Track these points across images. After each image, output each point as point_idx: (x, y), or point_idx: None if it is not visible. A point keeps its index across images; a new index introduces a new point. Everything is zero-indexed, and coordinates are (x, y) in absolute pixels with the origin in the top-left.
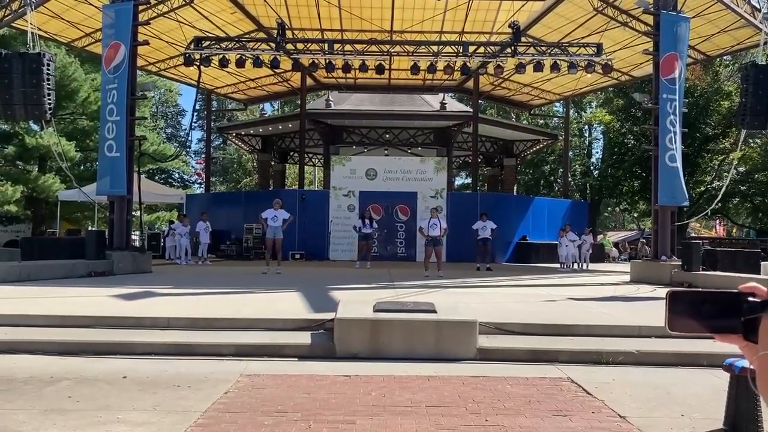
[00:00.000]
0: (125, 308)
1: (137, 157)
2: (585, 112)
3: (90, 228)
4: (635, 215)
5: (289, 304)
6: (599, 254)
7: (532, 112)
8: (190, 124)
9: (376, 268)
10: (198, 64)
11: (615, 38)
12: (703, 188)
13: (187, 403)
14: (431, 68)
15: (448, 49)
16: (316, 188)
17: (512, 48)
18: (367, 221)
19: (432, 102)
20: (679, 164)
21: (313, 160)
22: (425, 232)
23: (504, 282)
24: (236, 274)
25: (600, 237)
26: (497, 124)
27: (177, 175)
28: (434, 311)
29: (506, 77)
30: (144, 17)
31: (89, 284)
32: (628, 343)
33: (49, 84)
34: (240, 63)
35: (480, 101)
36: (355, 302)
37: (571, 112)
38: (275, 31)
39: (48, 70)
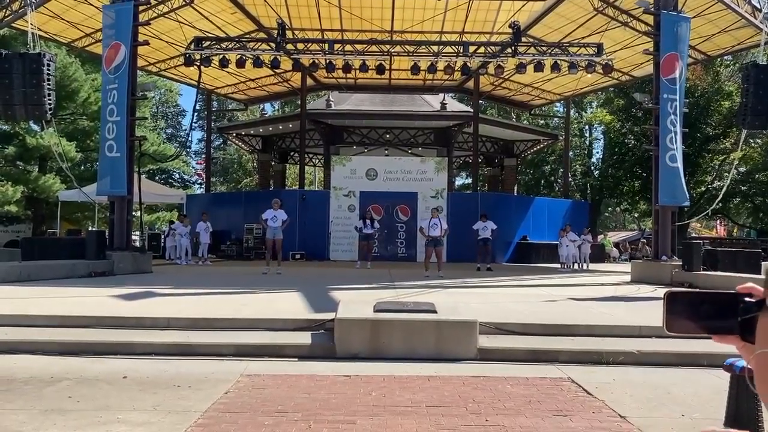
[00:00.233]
0: (125, 308)
1: (137, 158)
2: (585, 112)
3: (90, 228)
4: (636, 215)
5: (290, 304)
6: (600, 254)
7: (532, 112)
8: (191, 125)
9: (377, 268)
10: (198, 64)
11: (615, 38)
12: (703, 188)
13: (187, 403)
14: (431, 68)
15: (448, 49)
16: (317, 188)
17: (513, 48)
18: (367, 221)
19: (432, 102)
20: (679, 164)
21: (314, 160)
22: (426, 232)
23: (504, 282)
24: (236, 275)
25: (600, 237)
26: (498, 124)
27: (177, 176)
28: (434, 311)
29: (507, 77)
30: (144, 17)
31: (89, 284)
32: (628, 343)
33: (49, 84)
34: (240, 63)
35: (480, 101)
36: (356, 302)
37: (572, 112)
38: (275, 32)
39: (48, 70)
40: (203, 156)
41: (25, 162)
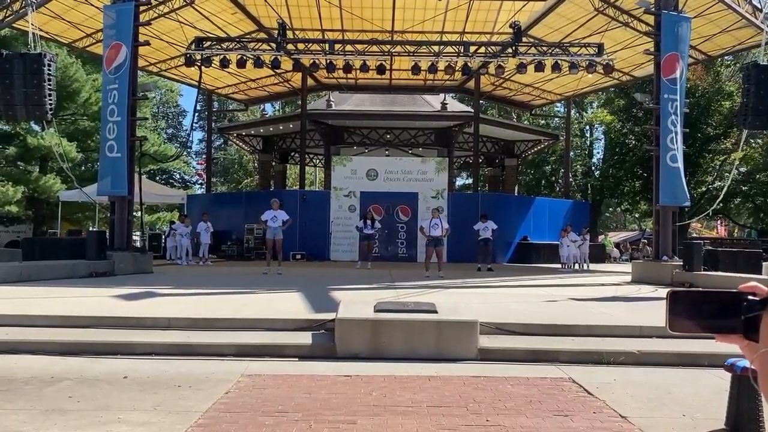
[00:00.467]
0: (126, 308)
1: (138, 158)
2: (586, 113)
3: (91, 228)
4: (636, 215)
5: (290, 304)
6: (600, 254)
7: (533, 112)
8: (191, 125)
9: (377, 268)
10: (199, 64)
11: (616, 38)
12: (704, 188)
13: (187, 403)
14: (432, 68)
15: (449, 49)
16: (317, 189)
17: (513, 48)
18: (368, 222)
19: (433, 102)
20: (680, 164)
21: (314, 160)
22: (426, 232)
23: (505, 282)
24: (237, 275)
25: (601, 237)
26: (498, 124)
27: (178, 176)
28: (435, 311)
29: (507, 77)
30: (145, 18)
31: (90, 284)
32: (629, 343)
33: (50, 84)
34: (241, 63)
35: (481, 101)
36: (356, 302)
37: (573, 112)
38: (276, 32)
39: (49, 70)
40: (204, 156)
41: (26, 162)
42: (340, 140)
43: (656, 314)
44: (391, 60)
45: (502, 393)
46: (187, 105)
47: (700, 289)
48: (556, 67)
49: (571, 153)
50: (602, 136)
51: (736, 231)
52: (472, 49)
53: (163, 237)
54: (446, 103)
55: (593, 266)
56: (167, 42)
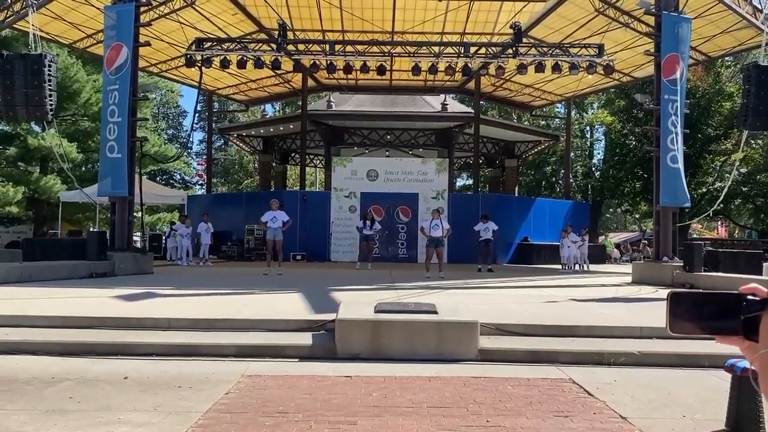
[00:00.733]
0: (126, 309)
1: (139, 159)
2: (586, 113)
3: (91, 229)
4: (637, 216)
5: (290, 304)
6: (600, 255)
7: (533, 113)
8: (192, 125)
9: (378, 269)
10: (199, 65)
11: (616, 39)
12: (704, 189)
13: (188, 403)
14: (432, 69)
15: (449, 50)
16: (318, 189)
17: (513, 49)
18: (368, 222)
19: (433, 103)
20: (680, 165)
21: (315, 161)
22: (427, 232)
23: (505, 283)
24: (237, 275)
25: (601, 238)
26: (498, 125)
27: (178, 176)
28: (435, 312)
29: (507, 78)
30: (145, 18)
31: (90, 285)
32: (629, 344)
33: (50, 85)
34: (241, 64)
35: (481, 102)
36: (357, 303)
37: (573, 113)
38: (276, 32)
39: (49, 71)
40: (204, 157)
41: (27, 163)
42: (340, 141)
43: (657, 315)
44: (391, 61)
45: (503, 394)
46: (188, 106)
47: (701, 290)
48: (556, 68)
49: (572, 154)
50: (602, 137)
51: (736, 232)
52: (473, 49)
53: (164, 237)
54: (446, 104)
55: (593, 267)
56: (168, 43)
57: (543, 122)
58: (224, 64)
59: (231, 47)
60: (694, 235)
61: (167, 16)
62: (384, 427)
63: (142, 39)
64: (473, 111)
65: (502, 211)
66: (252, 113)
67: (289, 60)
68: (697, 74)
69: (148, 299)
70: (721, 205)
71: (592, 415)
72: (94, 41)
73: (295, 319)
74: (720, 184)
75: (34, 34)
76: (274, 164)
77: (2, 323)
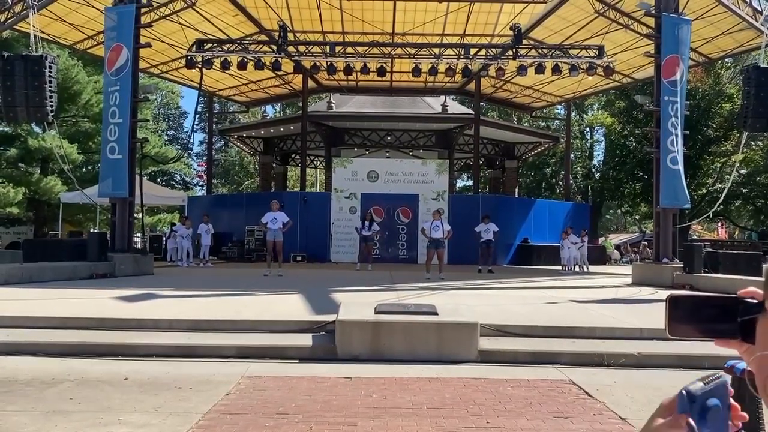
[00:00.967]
0: (127, 310)
1: (139, 160)
2: (586, 115)
3: (92, 230)
4: (637, 217)
5: (291, 306)
6: (601, 256)
7: (533, 114)
8: (192, 127)
9: (378, 270)
10: (200, 66)
11: (616, 40)
12: (704, 190)
13: (188, 404)
14: (433, 70)
15: (449, 51)
16: (318, 190)
17: (514, 50)
18: (366, 223)
19: (433, 104)
20: (680, 166)
21: (315, 162)
22: (428, 234)
23: (505, 284)
24: (238, 276)
25: (601, 239)
26: (499, 126)
27: (179, 177)
28: (435, 313)
29: (508, 79)
30: (146, 20)
31: (91, 286)
32: (629, 345)
33: (51, 86)
34: (242, 65)
35: (481, 103)
36: (357, 304)
37: (573, 114)
38: (277, 34)
39: (50, 72)
40: (205, 158)
41: (27, 164)
42: (340, 142)
43: (657, 316)
44: (391, 62)
45: (503, 395)
46: (188, 107)
47: (699, 293)
48: (556, 70)
49: (572, 155)
50: (602, 138)
51: (736, 233)
52: (473, 51)
53: (164, 238)
54: (447, 105)
55: (593, 268)
56: (168, 44)
57: (543, 123)
58: (225, 66)
59: (231, 48)
60: (694, 237)
61: (168, 18)
62: (384, 429)
63: (142, 40)
64: (473, 112)
65: (503, 212)
66: (252, 114)
67: (289, 61)
68: (697, 76)
69: (149, 300)
70: (721, 207)
71: (592, 416)
72: (95, 42)
73: (295, 320)
74: (720, 185)
75: (34, 36)
76: (274, 165)
77: (3, 324)
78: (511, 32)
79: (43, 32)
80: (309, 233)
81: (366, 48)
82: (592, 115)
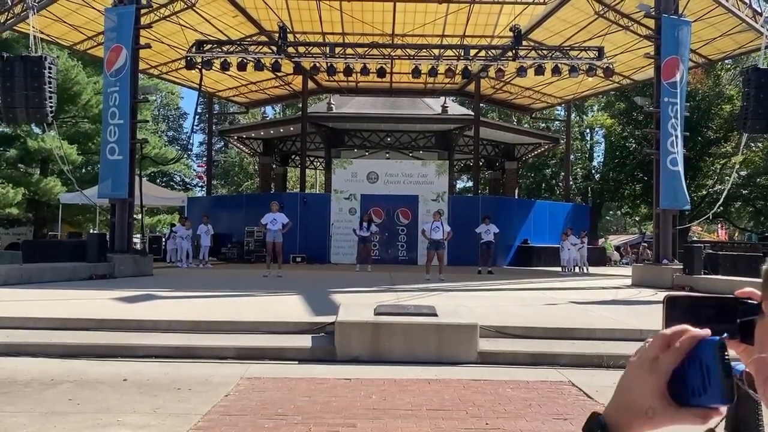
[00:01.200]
0: (126, 311)
1: (139, 160)
2: (586, 116)
3: (91, 231)
4: (637, 219)
5: (290, 307)
6: (600, 258)
7: (533, 115)
8: (192, 127)
9: (378, 271)
10: (200, 67)
11: (616, 42)
12: (704, 192)
13: (187, 405)
14: (433, 72)
15: (449, 52)
16: (318, 191)
17: (513, 51)
18: (364, 224)
19: (433, 105)
20: (680, 168)
21: (315, 163)
22: (428, 235)
23: (505, 285)
24: (237, 277)
25: (601, 240)
26: (498, 127)
27: (178, 178)
28: (435, 314)
29: (507, 81)
30: (146, 20)
31: (90, 287)
32: (629, 347)
33: (50, 87)
34: (241, 66)
35: (481, 105)
36: (356, 305)
37: (573, 115)
38: (277, 35)
39: (50, 73)
40: (204, 159)
41: (27, 164)
42: (340, 143)
43: (656, 317)
44: (391, 63)
45: (502, 396)
46: (188, 108)
47: (697, 294)
48: (556, 71)
49: (572, 156)
50: (602, 140)
51: (736, 234)
52: (473, 52)
53: (164, 239)
54: (447, 107)
55: (593, 269)
56: (168, 45)
57: (543, 125)
58: (224, 67)
59: (231, 49)
60: (694, 238)
61: (168, 19)
62: (383, 430)
63: (142, 41)
64: (473, 113)
65: (502, 213)
66: (252, 115)
67: (289, 62)
68: (697, 77)
69: (148, 301)
70: (721, 208)
71: None
72: (95, 43)
73: (294, 322)
74: (720, 186)
75: (34, 36)
76: (274, 166)
77: (2, 325)
78: (511, 33)
79: (42, 33)
80: (309, 234)
81: (366, 49)
82: (592, 116)
